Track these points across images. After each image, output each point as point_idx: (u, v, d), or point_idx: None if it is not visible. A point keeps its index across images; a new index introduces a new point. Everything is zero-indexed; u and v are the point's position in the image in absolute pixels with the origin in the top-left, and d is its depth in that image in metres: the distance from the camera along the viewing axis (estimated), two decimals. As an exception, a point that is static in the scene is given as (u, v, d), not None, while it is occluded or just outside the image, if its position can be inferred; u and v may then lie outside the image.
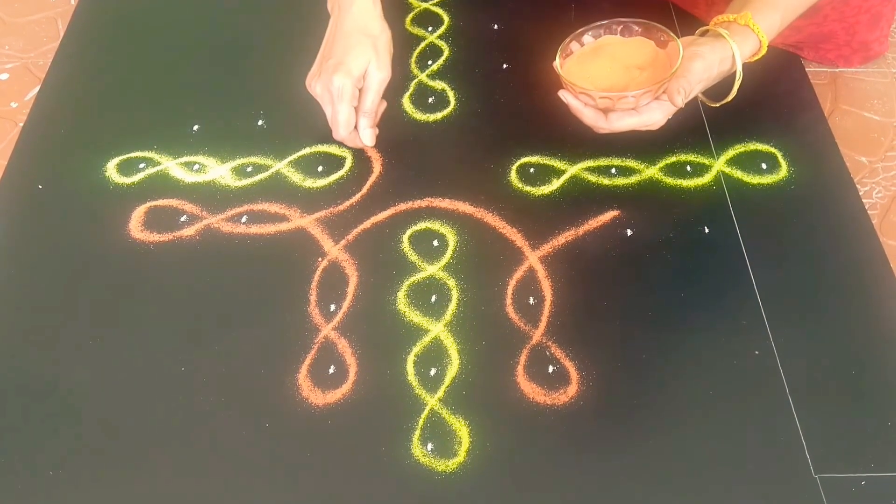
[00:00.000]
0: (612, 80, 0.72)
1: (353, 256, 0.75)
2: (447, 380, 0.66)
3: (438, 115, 0.87)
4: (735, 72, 0.72)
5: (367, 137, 0.78)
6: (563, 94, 0.73)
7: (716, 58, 0.71)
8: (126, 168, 0.82)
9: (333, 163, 0.82)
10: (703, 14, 0.93)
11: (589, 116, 0.72)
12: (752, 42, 0.72)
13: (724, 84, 0.74)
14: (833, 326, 0.69)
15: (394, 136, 0.84)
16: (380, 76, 0.76)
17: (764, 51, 0.73)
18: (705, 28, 0.74)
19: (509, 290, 0.72)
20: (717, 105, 0.77)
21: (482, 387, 0.66)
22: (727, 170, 0.80)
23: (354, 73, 0.74)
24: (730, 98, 0.74)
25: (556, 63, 0.73)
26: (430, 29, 0.96)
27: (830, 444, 0.63)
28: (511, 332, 0.69)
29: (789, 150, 0.82)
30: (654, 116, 0.71)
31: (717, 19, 0.73)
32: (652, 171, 0.80)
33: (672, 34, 0.72)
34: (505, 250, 0.75)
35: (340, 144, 0.82)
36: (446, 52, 0.93)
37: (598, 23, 0.76)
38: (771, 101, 0.87)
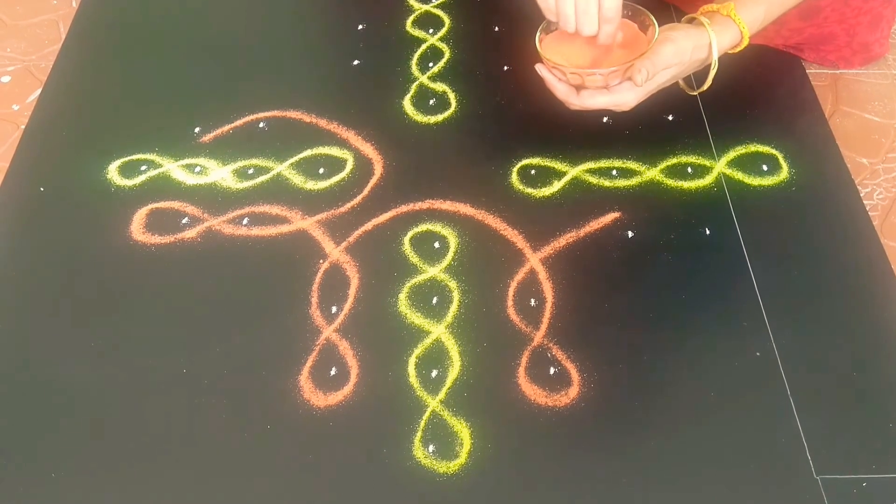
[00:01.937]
0: (587, 58, 0.72)
1: (355, 258, 0.75)
2: (448, 381, 0.66)
3: (439, 117, 0.87)
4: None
5: None
6: (539, 68, 0.73)
7: (689, 44, 0.70)
8: (128, 170, 0.82)
9: (334, 165, 0.82)
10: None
11: (561, 91, 0.72)
12: (733, 33, 0.72)
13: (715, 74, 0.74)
14: (834, 328, 0.69)
15: (395, 138, 0.84)
16: None
17: (745, 42, 0.72)
18: (691, 16, 0.74)
19: (510, 292, 0.72)
20: (694, 93, 0.77)
21: (483, 388, 0.66)
22: (728, 171, 0.80)
23: None
24: (705, 87, 0.74)
25: (536, 38, 0.73)
26: (430, 31, 0.96)
27: (832, 445, 0.62)
28: (512, 334, 0.69)
29: (790, 151, 0.82)
30: (624, 97, 0.71)
31: (703, 9, 0.73)
32: (653, 173, 0.80)
33: (654, 19, 0.72)
34: (506, 252, 0.75)
35: (341, 147, 0.82)
36: (447, 55, 0.93)
37: None
38: (772, 102, 0.87)
